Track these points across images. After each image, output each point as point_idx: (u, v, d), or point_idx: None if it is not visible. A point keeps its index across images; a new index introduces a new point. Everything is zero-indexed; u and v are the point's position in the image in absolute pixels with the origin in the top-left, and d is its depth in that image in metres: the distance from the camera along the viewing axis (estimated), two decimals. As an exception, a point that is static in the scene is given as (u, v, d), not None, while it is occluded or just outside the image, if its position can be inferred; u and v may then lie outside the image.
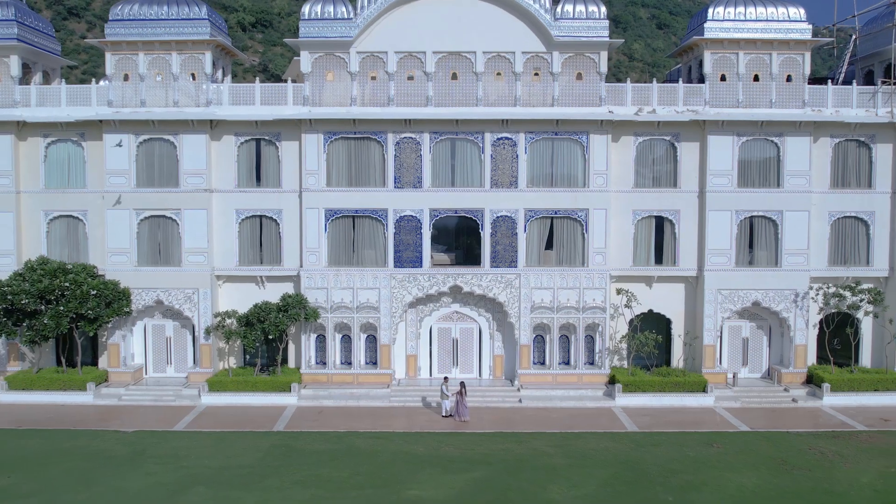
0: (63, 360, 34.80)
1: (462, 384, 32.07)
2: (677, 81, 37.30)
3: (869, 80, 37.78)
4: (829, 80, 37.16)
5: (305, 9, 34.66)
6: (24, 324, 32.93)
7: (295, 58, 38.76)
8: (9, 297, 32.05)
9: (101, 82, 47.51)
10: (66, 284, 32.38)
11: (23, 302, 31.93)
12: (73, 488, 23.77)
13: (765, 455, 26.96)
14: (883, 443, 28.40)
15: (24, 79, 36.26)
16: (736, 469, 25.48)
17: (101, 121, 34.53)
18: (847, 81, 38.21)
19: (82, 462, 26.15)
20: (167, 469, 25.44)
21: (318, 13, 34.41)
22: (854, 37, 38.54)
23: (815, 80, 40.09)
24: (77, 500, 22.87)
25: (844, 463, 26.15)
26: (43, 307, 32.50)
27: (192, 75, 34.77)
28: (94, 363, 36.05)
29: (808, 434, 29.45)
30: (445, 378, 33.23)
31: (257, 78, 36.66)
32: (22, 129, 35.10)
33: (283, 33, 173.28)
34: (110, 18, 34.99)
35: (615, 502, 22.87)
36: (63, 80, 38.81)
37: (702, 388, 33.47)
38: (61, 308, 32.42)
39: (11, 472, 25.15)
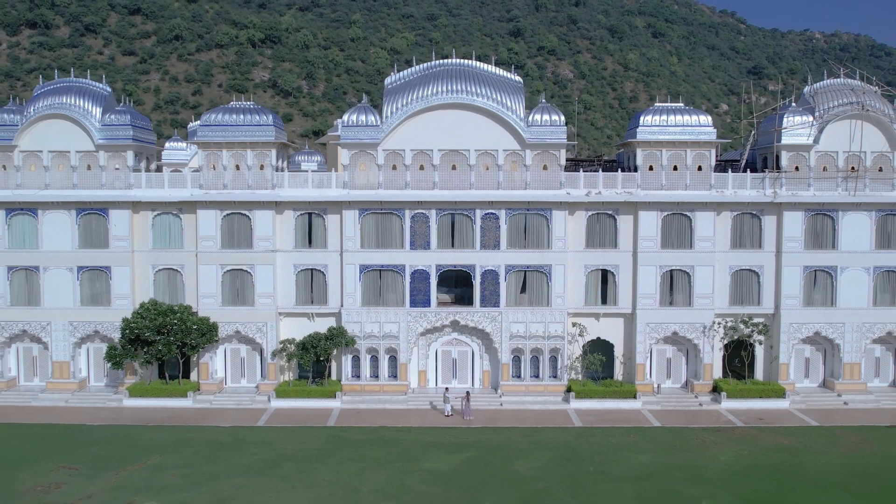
0: (166, 375, 47.56)
1: (468, 392, 44.83)
2: (623, 164, 50.15)
3: (766, 164, 50.32)
4: (732, 164, 49.75)
5: (345, 117, 47.43)
6: (143, 350, 45.63)
7: (329, 132, 51.51)
8: (135, 330, 44.74)
9: (167, 143, 60.64)
10: (174, 321, 45.08)
11: (145, 334, 44.61)
12: (205, 463, 36.43)
13: (664, 442, 39.61)
14: (749, 434, 41.05)
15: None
16: (641, 451, 38.12)
17: (194, 201, 47.19)
18: (750, 163, 50.93)
19: (203, 447, 38.79)
20: (262, 451, 38.10)
21: (355, 121, 47.10)
22: (753, 131, 51.19)
23: (727, 160, 52.99)
24: (213, 469, 35.55)
25: (715, 447, 38.80)
26: (157, 337, 45.17)
27: (262, 166, 47.40)
28: (185, 377, 48.60)
29: (700, 428, 42.09)
30: (447, 388, 46.01)
31: (310, 170, 49.05)
32: (136, 205, 47.76)
33: (290, 49, 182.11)
34: (201, 123, 47.77)
35: (555, 471, 35.49)
36: (167, 169, 51.98)
37: (633, 395, 46.09)
38: (171, 338, 45.15)
39: (159, 454, 37.75)
